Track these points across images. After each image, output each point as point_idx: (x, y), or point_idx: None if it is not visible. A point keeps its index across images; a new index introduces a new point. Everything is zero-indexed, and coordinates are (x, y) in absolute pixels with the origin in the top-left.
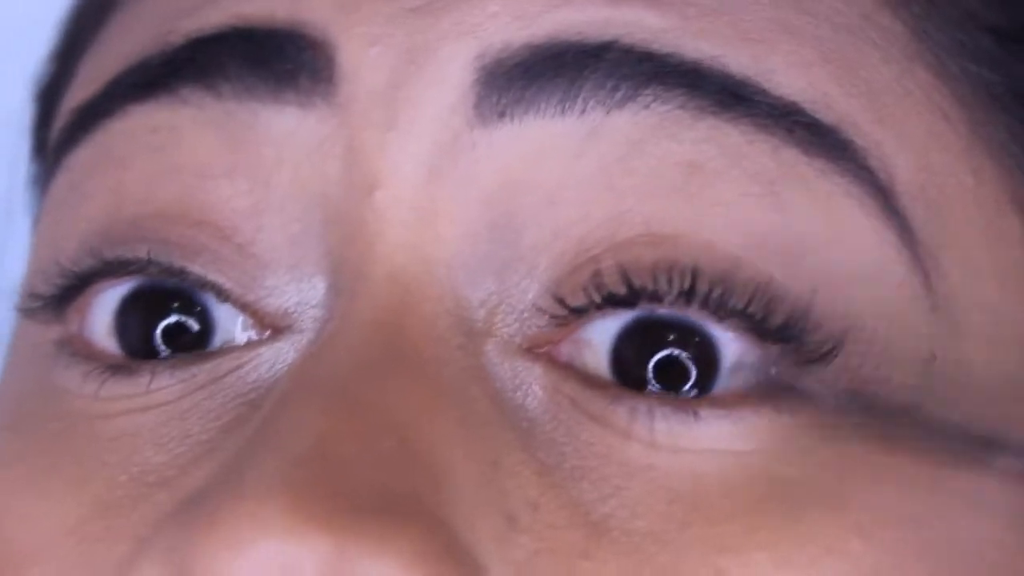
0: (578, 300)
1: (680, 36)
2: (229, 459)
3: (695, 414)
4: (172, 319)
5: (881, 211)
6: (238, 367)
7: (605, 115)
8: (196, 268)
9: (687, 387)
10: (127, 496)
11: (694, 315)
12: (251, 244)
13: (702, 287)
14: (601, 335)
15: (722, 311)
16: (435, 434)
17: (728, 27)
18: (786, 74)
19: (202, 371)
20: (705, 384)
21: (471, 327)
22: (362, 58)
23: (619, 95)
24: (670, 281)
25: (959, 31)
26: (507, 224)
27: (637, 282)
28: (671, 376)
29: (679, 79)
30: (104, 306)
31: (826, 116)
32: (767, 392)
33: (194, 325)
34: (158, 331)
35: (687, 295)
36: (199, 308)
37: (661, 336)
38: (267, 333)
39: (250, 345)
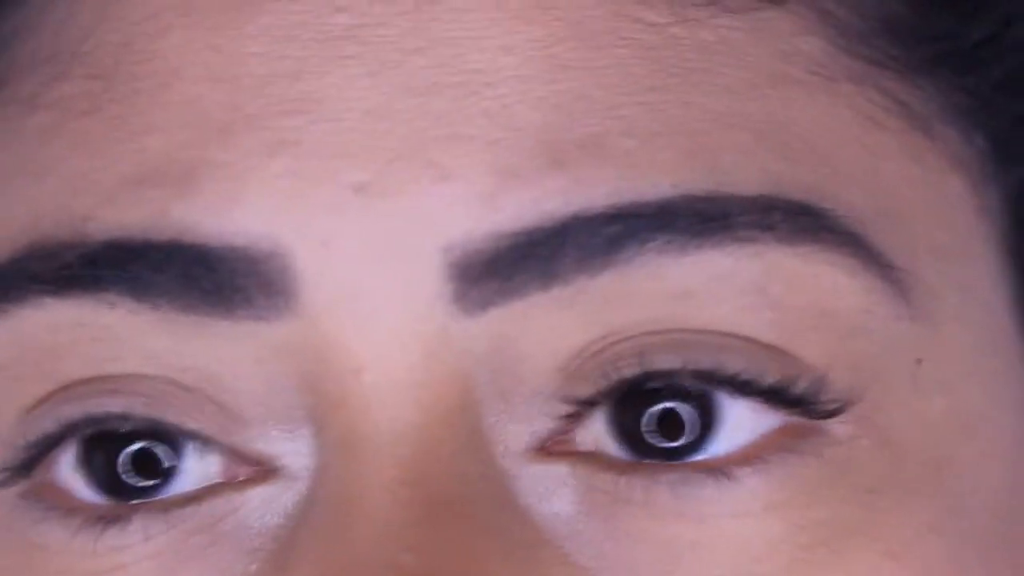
0: (587, 391)
1: (635, 179)
2: None
3: (729, 475)
4: (137, 446)
5: (862, 264)
6: (232, 511)
7: (589, 279)
8: (169, 418)
9: (687, 440)
10: None
11: (692, 383)
12: (224, 402)
13: (725, 370)
14: (600, 412)
15: (743, 389)
16: None
17: (670, 148)
18: (741, 171)
19: (195, 516)
20: (705, 435)
21: (488, 453)
22: (318, 262)
23: (597, 261)
24: (680, 361)
25: (865, 4)
26: (506, 369)
27: (657, 365)
28: (668, 431)
29: (651, 228)
30: (69, 450)
31: (794, 195)
32: (785, 439)
33: (161, 455)
34: (121, 460)
35: (706, 376)
36: (166, 437)
37: (654, 394)
38: (251, 474)
39: (236, 485)
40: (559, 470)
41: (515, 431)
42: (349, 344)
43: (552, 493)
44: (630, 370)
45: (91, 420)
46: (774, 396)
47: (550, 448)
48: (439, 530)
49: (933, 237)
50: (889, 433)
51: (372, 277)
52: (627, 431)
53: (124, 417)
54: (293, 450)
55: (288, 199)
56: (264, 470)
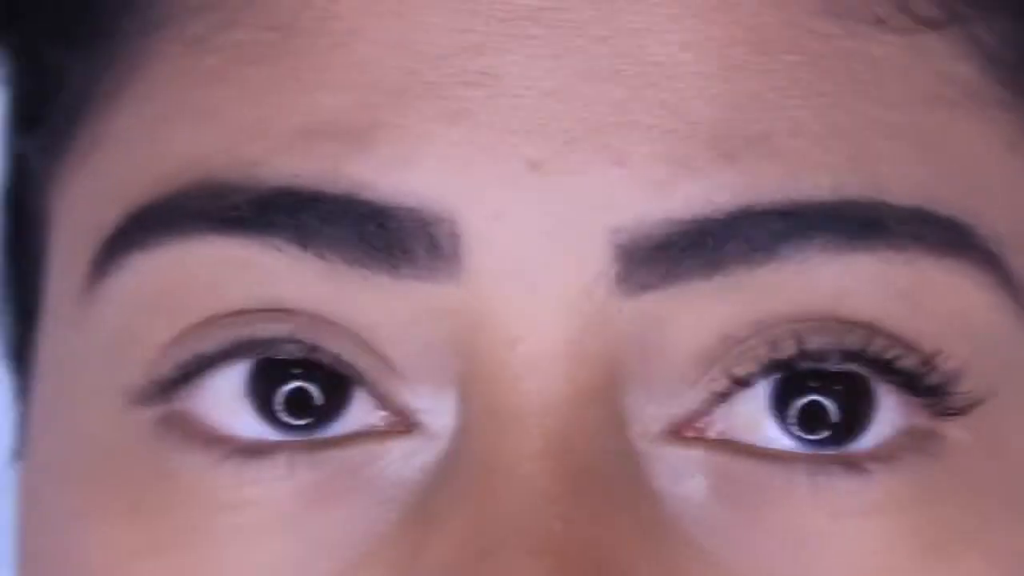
0: (743, 369)
1: (800, 179)
2: None
3: (865, 470)
4: (294, 385)
5: (997, 283)
6: (373, 459)
7: (748, 272)
8: (331, 347)
9: (825, 434)
10: None
11: (855, 367)
12: (379, 347)
13: (874, 348)
14: (748, 400)
15: (885, 369)
16: (628, 560)
17: (835, 152)
18: (898, 182)
19: (337, 458)
20: (847, 429)
21: (628, 434)
22: (487, 232)
23: (759, 256)
24: (838, 343)
25: (1015, 37)
26: (654, 348)
27: (811, 345)
28: (813, 421)
29: (813, 227)
30: (226, 380)
31: (943, 210)
32: (914, 440)
33: (317, 395)
34: (279, 397)
35: (856, 355)
36: (321, 376)
37: (802, 386)
38: (398, 425)
39: (381, 435)
40: (693, 455)
41: (653, 413)
42: (508, 314)
43: (685, 477)
44: (785, 350)
45: (255, 343)
46: (914, 380)
47: (685, 433)
48: (584, 500)
49: None
50: (1004, 443)
51: (539, 252)
52: (777, 418)
53: (290, 340)
54: (438, 408)
55: (463, 168)
56: (407, 422)
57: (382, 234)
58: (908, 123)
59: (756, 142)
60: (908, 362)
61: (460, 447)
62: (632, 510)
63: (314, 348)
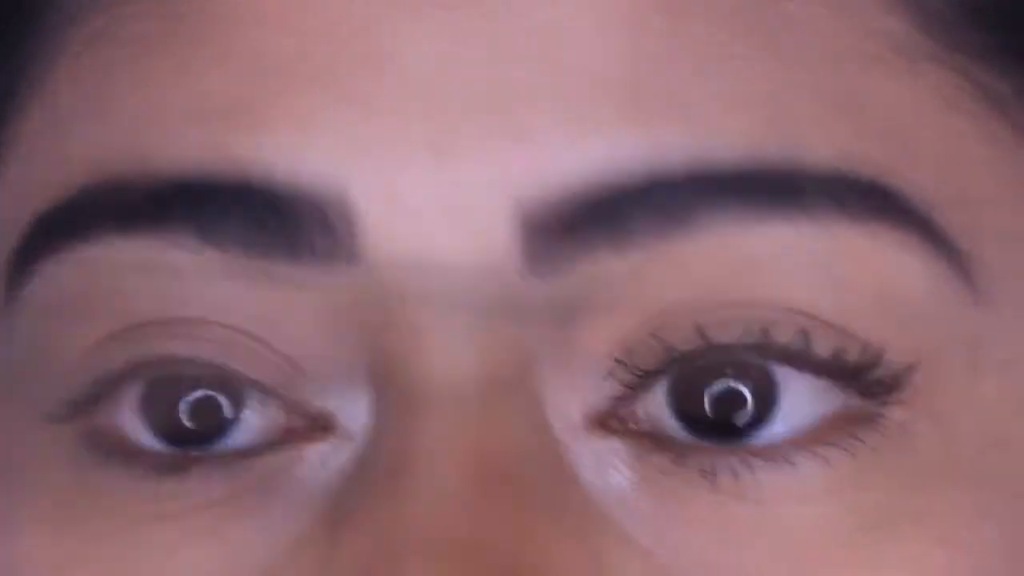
0: (648, 363)
1: (712, 144)
2: None
3: (789, 460)
4: (199, 393)
5: (927, 246)
6: (289, 466)
7: (657, 242)
8: (236, 365)
9: (746, 419)
10: None
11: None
12: (285, 350)
13: (780, 338)
14: (660, 388)
15: (795, 360)
16: (546, 557)
17: (752, 115)
18: (817, 144)
19: (253, 470)
20: (763, 415)
21: (544, 422)
22: (384, 214)
23: (670, 224)
24: (745, 333)
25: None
26: (566, 336)
27: (712, 338)
28: (726, 408)
29: (724, 192)
30: (132, 393)
31: (864, 172)
32: (844, 424)
33: (223, 402)
34: (184, 407)
35: (762, 347)
36: (228, 386)
37: (715, 371)
38: (309, 431)
39: (294, 441)
40: (616, 445)
41: (572, 402)
42: (412, 300)
43: (609, 467)
44: (689, 344)
45: (157, 361)
46: (827, 367)
47: (607, 423)
48: (496, 500)
49: (1001, 221)
50: (945, 417)
51: (439, 233)
52: (687, 409)
53: (190, 361)
54: (352, 408)
55: (357, 150)
56: (322, 426)
57: (278, 220)
58: (828, 83)
59: (665, 104)
60: (819, 352)
61: (373, 447)
62: (551, 505)
63: (215, 367)
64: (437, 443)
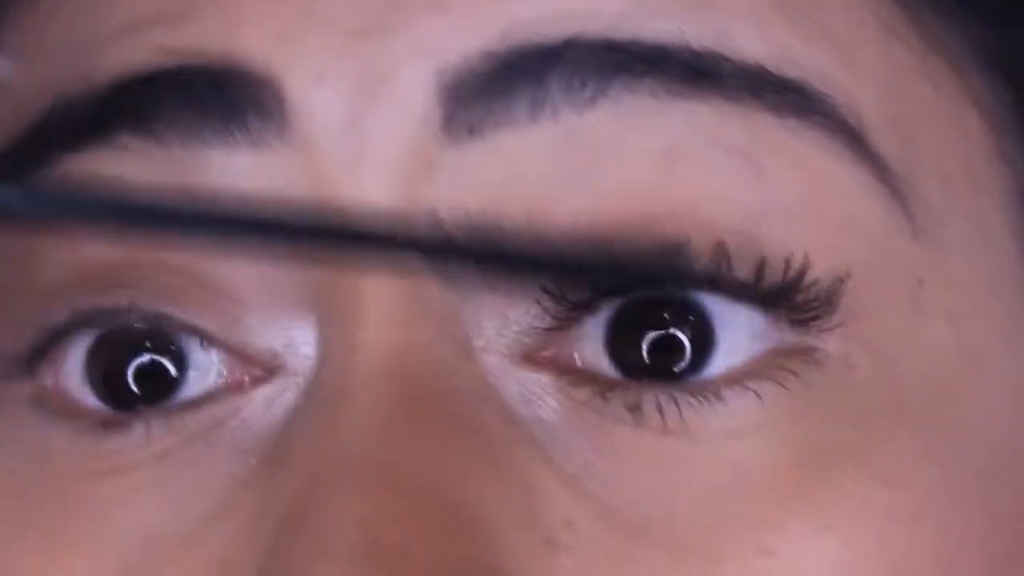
0: (577, 294)
1: (639, 18)
2: (274, 554)
3: (718, 396)
4: (145, 359)
5: (856, 156)
6: (234, 412)
7: (576, 115)
8: (177, 312)
9: (683, 366)
10: (146, 561)
11: (690, 294)
12: (228, 285)
13: (697, 262)
14: (594, 330)
15: (717, 283)
16: (469, 482)
17: (688, 2)
18: (746, 37)
19: (197, 420)
20: (701, 360)
21: (469, 346)
22: (312, 92)
23: (587, 93)
24: (667, 262)
25: None
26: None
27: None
28: (666, 356)
29: (645, 66)
30: (76, 354)
31: (791, 72)
32: (778, 359)
33: (169, 366)
34: (130, 372)
35: (681, 274)
36: (172, 347)
37: (653, 317)
38: (256, 375)
39: (240, 388)
40: (545, 379)
41: (497, 328)
42: (341, 180)
43: (537, 399)
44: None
45: (100, 313)
46: (748, 290)
47: (537, 358)
48: (420, 424)
49: (942, 161)
50: (888, 355)
51: (364, 110)
52: (625, 355)
53: (130, 310)
54: (297, 341)
55: (286, 36)
56: (267, 369)
57: (213, 96)
58: None
59: None
60: (743, 269)
61: (314, 379)
62: (478, 429)
63: (157, 316)
64: (364, 371)
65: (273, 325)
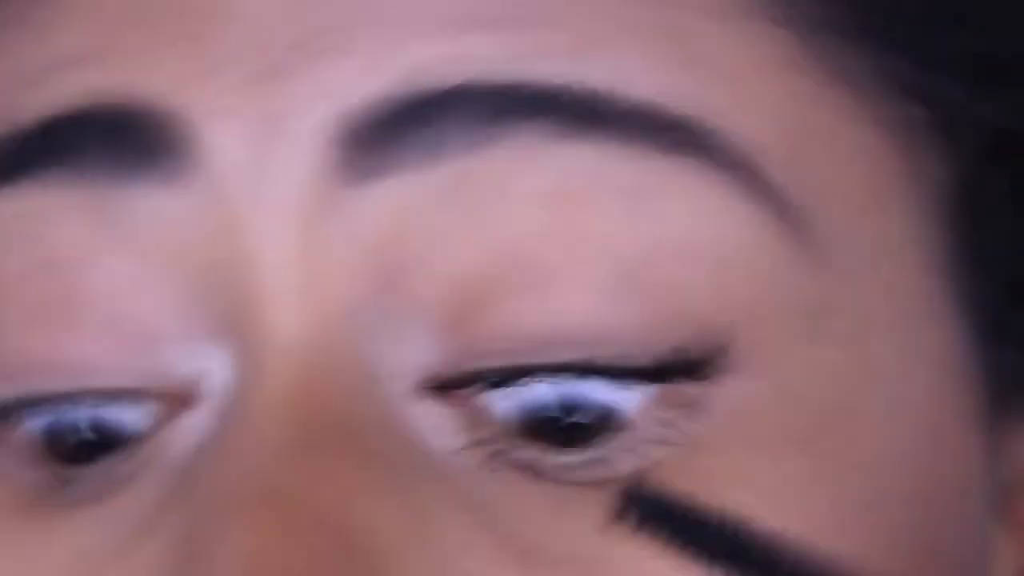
0: (470, 367)
1: (530, 60)
2: None
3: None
4: (87, 434)
5: (748, 191)
6: (160, 447)
7: (468, 158)
8: (96, 381)
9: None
10: (86, 570)
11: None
12: (144, 323)
13: (577, 356)
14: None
15: (604, 370)
16: (362, 508)
17: (575, 39)
18: (637, 76)
19: (128, 462)
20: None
21: (376, 374)
22: (218, 132)
23: (478, 136)
24: (538, 334)
25: None
26: (391, 275)
27: (504, 343)
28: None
29: (534, 109)
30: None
31: (682, 110)
32: (664, 412)
33: (107, 430)
34: (69, 442)
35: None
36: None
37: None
38: (178, 406)
39: (168, 417)
40: (449, 412)
41: (402, 358)
42: (245, 218)
43: (440, 430)
44: (493, 358)
45: (20, 402)
46: (636, 370)
47: (444, 390)
48: (318, 452)
49: (844, 186)
50: (780, 385)
51: (265, 150)
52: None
53: (55, 394)
54: (213, 368)
55: (192, 77)
56: (188, 397)
57: (128, 138)
58: (660, 22)
59: (487, 22)
60: (626, 353)
61: (226, 406)
62: (380, 459)
63: (77, 393)
64: (268, 396)
65: (190, 355)
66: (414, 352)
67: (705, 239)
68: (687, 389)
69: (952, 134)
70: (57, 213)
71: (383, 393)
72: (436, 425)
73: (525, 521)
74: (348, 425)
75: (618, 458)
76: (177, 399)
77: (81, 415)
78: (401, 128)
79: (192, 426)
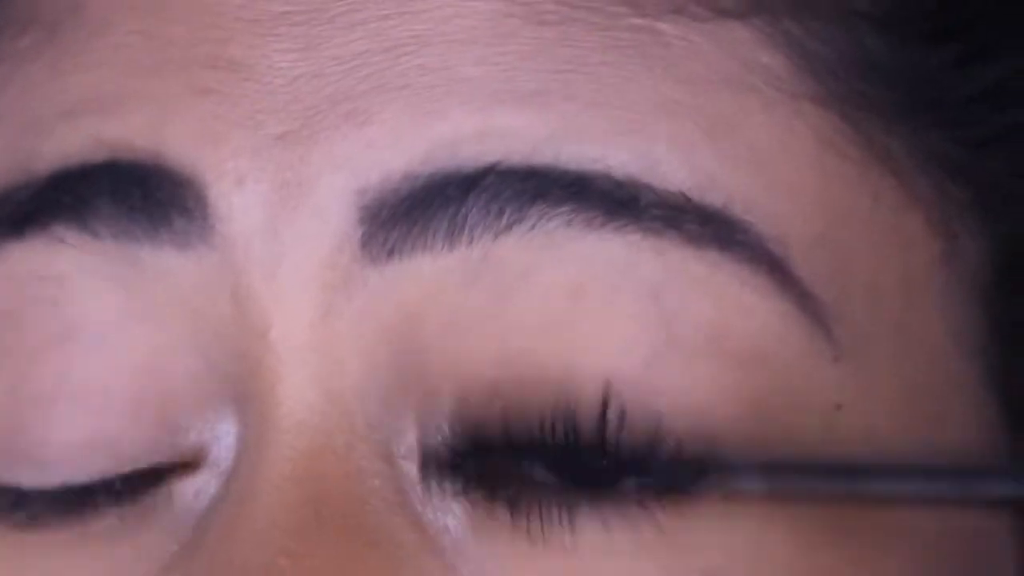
0: (484, 442)
1: (560, 142)
2: None
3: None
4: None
5: (776, 286)
6: (168, 498)
7: (493, 241)
8: (115, 466)
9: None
10: None
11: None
12: (161, 392)
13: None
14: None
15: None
16: None
17: (608, 121)
18: (670, 162)
19: (138, 498)
20: None
21: (388, 451)
22: (233, 196)
23: (504, 220)
24: (554, 434)
25: (836, 38)
26: (408, 356)
27: (518, 438)
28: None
29: (563, 194)
30: None
31: (713, 199)
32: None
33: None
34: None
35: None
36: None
37: None
38: (186, 465)
39: (174, 477)
40: (454, 485)
41: (413, 439)
42: (260, 286)
43: (445, 506)
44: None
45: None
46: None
47: (450, 470)
48: (323, 534)
49: (873, 274)
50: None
51: (283, 218)
52: None
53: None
54: (221, 434)
55: (210, 138)
56: (195, 460)
57: (141, 192)
58: (695, 104)
59: (522, 100)
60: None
61: (231, 475)
62: (385, 540)
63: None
64: (275, 472)
65: (199, 421)
66: (426, 434)
67: (726, 334)
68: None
69: (991, 212)
70: (74, 277)
71: (392, 473)
72: (445, 504)
73: None
74: (355, 506)
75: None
76: (185, 462)
77: None
78: (424, 208)
79: (201, 489)
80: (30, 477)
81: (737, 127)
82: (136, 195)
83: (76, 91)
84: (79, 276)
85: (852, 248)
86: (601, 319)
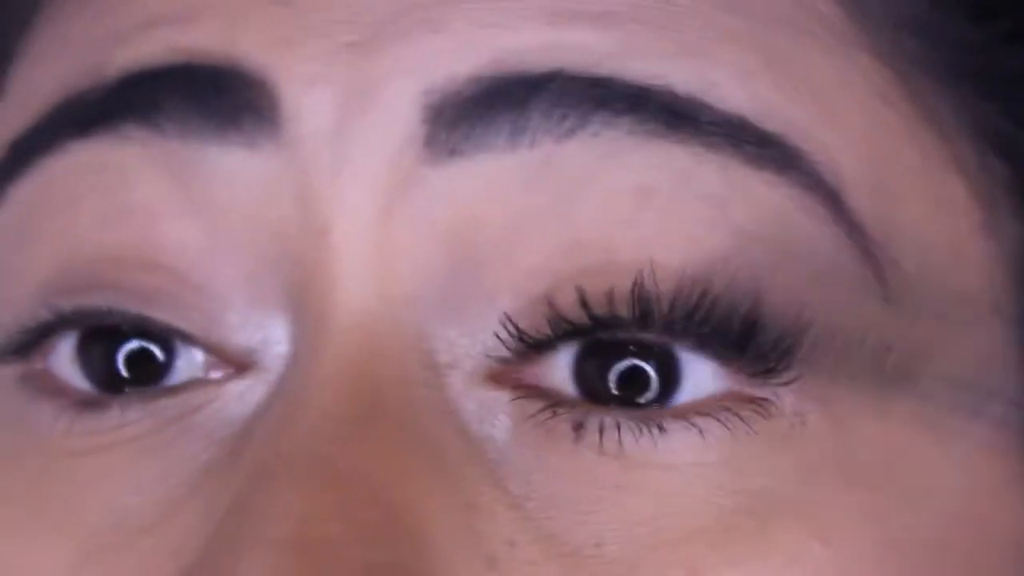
0: (539, 334)
1: (624, 58)
2: (214, 542)
3: (660, 427)
4: (135, 344)
5: (832, 215)
6: (208, 402)
7: (555, 145)
8: (156, 315)
9: (649, 397)
10: (111, 543)
11: (653, 338)
12: (209, 283)
13: (658, 313)
14: (564, 358)
15: (678, 333)
16: (412, 490)
17: (672, 43)
18: (730, 86)
19: (171, 405)
20: (667, 395)
21: (435, 361)
22: (304, 98)
23: (567, 124)
24: (628, 307)
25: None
26: (465, 259)
27: (596, 311)
28: (634, 388)
29: (625, 104)
30: (67, 341)
31: (771, 125)
32: (729, 402)
33: (157, 352)
34: (120, 357)
35: (642, 321)
36: (160, 335)
37: (622, 349)
38: (232, 370)
39: (216, 381)
40: (503, 397)
41: (465, 347)
42: (323, 186)
43: (492, 416)
44: (574, 315)
45: (81, 314)
46: (709, 340)
47: (501, 378)
48: (371, 430)
49: (921, 231)
50: (843, 415)
51: (351, 120)
52: (593, 386)
53: (110, 312)
54: (272, 339)
55: (282, 42)
56: (242, 364)
57: (213, 96)
58: (755, 35)
59: (591, 17)
60: (710, 327)
61: (283, 377)
62: (430, 442)
63: (138, 318)
64: (328, 370)
65: (250, 323)
66: (478, 341)
67: (784, 252)
68: (751, 387)
69: None
70: (134, 166)
71: (441, 382)
72: (489, 410)
73: (564, 515)
74: (403, 411)
75: (677, 439)
76: (232, 363)
77: (123, 344)
78: (487, 108)
79: (246, 393)
80: None
81: (795, 61)
82: (207, 95)
83: (151, 6)
84: (141, 167)
85: (902, 199)
86: (668, 221)
